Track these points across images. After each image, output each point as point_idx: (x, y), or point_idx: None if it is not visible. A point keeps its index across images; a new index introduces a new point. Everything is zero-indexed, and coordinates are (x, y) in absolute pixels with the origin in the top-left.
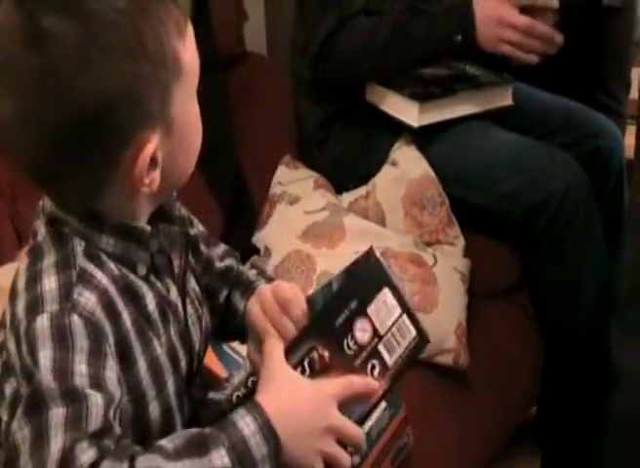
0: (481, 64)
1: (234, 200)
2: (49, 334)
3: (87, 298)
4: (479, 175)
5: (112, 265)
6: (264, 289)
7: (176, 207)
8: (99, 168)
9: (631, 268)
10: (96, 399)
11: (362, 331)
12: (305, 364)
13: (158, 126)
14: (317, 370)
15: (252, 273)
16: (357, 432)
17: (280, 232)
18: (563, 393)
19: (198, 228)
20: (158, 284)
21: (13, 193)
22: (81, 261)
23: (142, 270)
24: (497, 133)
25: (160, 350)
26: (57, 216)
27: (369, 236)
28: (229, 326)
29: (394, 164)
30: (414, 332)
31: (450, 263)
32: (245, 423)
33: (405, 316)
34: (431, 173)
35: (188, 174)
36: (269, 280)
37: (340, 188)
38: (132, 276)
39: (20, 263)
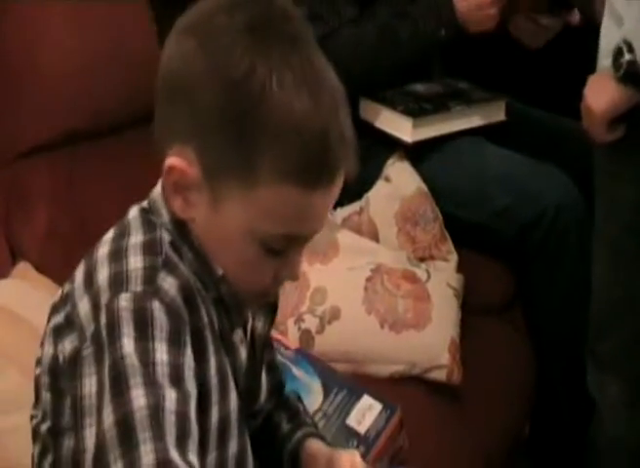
0: (474, 81)
1: None
2: (132, 318)
3: (170, 284)
4: (472, 192)
5: (190, 273)
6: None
7: None
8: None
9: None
10: (171, 397)
11: None
12: None
13: (203, 171)
14: None
15: (301, 407)
16: None
17: None
18: (555, 410)
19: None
20: (224, 316)
21: (7, 211)
22: (167, 250)
23: (213, 294)
24: (490, 149)
25: (225, 364)
26: (154, 204)
27: (362, 252)
28: (263, 439)
29: (388, 180)
30: None
31: (443, 279)
32: None
33: None
34: (425, 189)
35: (223, 267)
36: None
37: (333, 204)
38: (204, 292)
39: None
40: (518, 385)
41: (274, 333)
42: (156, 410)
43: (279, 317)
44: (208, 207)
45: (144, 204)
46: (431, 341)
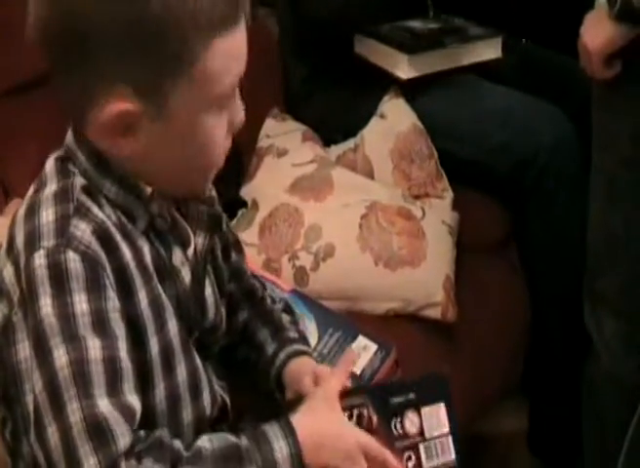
0: (470, 18)
1: None
2: (47, 275)
3: (82, 230)
4: (467, 129)
5: (111, 211)
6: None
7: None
8: (82, 83)
9: None
10: (94, 345)
11: (411, 422)
12: (354, 413)
13: (143, 97)
14: (361, 427)
15: (285, 319)
16: None
17: (268, 185)
18: (548, 348)
19: (230, 229)
20: (157, 243)
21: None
22: (79, 195)
23: (142, 224)
24: (486, 86)
25: (159, 294)
26: (69, 149)
27: (357, 189)
28: (253, 361)
29: (383, 116)
30: (453, 456)
31: (438, 216)
32: (279, 446)
33: (450, 438)
34: (420, 125)
35: (171, 184)
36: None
37: (328, 141)
38: (130, 226)
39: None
40: (513, 322)
41: (267, 274)
42: (80, 365)
43: (273, 255)
44: (154, 123)
45: (61, 152)
46: (426, 279)
